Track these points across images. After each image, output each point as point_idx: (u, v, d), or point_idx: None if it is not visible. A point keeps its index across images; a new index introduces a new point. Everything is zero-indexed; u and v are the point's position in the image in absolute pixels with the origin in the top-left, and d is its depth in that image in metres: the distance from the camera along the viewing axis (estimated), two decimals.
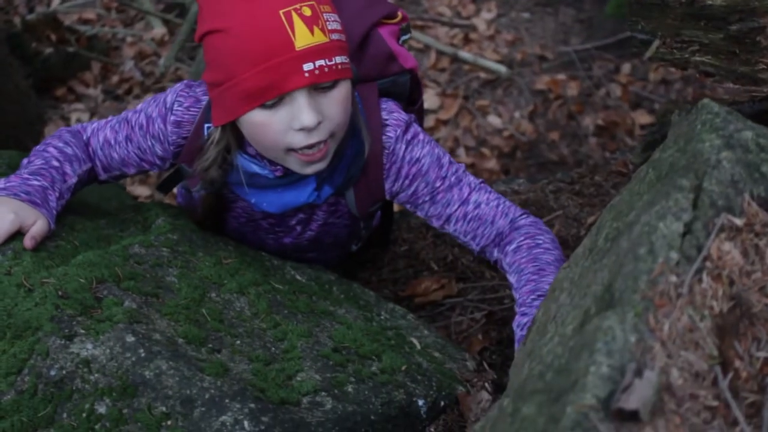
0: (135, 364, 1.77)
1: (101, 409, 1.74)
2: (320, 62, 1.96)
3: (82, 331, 1.83)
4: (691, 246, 1.25)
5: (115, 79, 5.70)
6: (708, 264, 1.24)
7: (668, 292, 1.20)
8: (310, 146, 2.05)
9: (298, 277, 2.38)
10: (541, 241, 2.19)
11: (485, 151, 4.95)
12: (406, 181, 2.27)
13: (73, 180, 2.27)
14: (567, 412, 1.09)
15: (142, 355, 1.79)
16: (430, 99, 5.33)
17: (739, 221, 1.28)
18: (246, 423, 1.71)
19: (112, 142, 2.35)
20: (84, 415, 1.74)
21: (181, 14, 6.01)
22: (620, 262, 1.30)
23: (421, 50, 5.79)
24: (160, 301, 2.00)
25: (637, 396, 1.08)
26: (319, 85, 1.99)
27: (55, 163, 2.24)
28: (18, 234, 2.07)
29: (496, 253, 2.29)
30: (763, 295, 1.22)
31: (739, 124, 1.43)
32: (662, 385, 1.11)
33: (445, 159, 2.28)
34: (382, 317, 2.35)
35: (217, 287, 2.13)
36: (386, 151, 2.25)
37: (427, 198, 2.28)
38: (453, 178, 2.27)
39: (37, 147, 2.34)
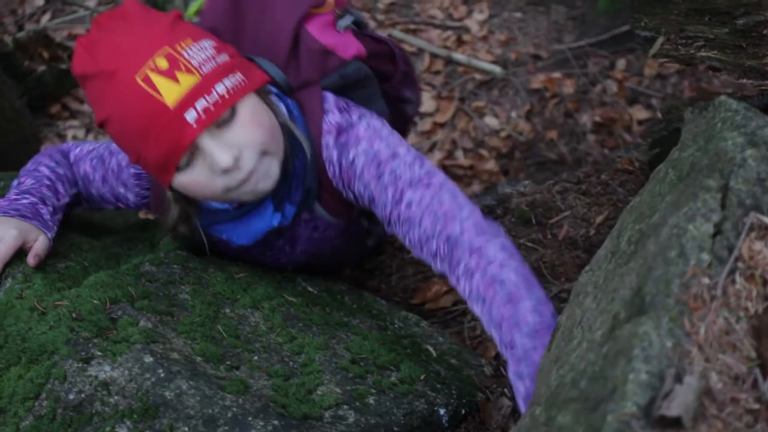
0: (155, 385, 1.75)
1: None
2: (201, 104, 1.85)
3: (99, 353, 1.81)
4: (722, 247, 1.24)
5: None
6: (740, 264, 1.22)
7: (702, 294, 1.19)
8: (245, 180, 1.98)
9: (310, 289, 2.36)
10: (491, 255, 1.88)
11: (483, 152, 4.93)
12: (348, 185, 2.13)
13: (65, 200, 2.25)
14: (608, 420, 1.07)
15: (162, 375, 1.77)
16: (426, 102, 5.30)
17: None
18: None
19: (91, 178, 2.32)
20: None
21: None
22: (649, 265, 1.28)
23: (415, 53, 5.77)
24: (174, 319, 1.98)
25: (679, 402, 1.06)
26: (216, 122, 1.90)
27: (47, 182, 2.23)
28: (24, 255, 2.06)
29: (438, 266, 1.99)
30: None
31: (760, 121, 1.41)
32: (702, 390, 1.09)
33: (384, 155, 2.06)
34: (395, 326, 2.34)
35: (230, 303, 2.11)
36: (325, 161, 2.13)
37: (367, 201, 2.11)
38: (388, 177, 2.04)
39: (28, 166, 2.31)
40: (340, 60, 2.24)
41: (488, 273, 1.85)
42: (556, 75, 5.36)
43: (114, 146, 2.30)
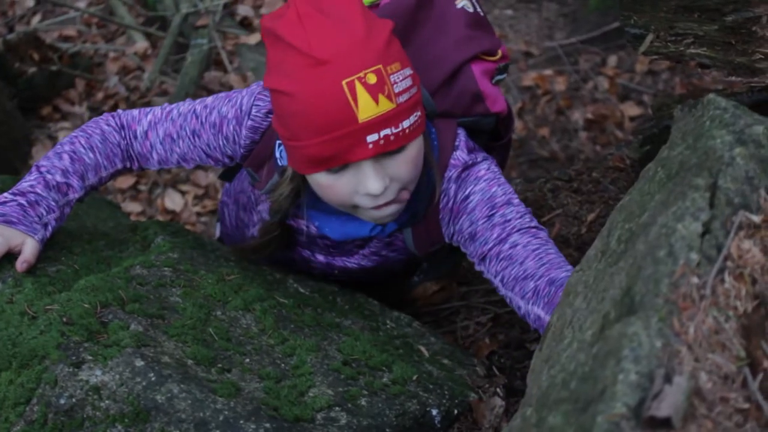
0: (146, 389, 1.75)
1: None
2: (386, 132, 1.88)
3: (90, 358, 1.80)
4: (711, 246, 1.24)
5: (100, 95, 5.66)
6: (729, 263, 1.22)
7: (691, 294, 1.18)
8: (377, 208, 2.02)
9: (302, 290, 2.35)
10: None
11: None
12: (454, 218, 2.17)
13: (76, 195, 2.21)
14: (598, 421, 1.07)
15: (153, 379, 1.76)
16: None
17: (756, 218, 1.27)
18: None
19: (175, 136, 2.29)
20: None
21: (163, 27, 5.98)
22: (638, 265, 1.28)
23: None
24: (165, 322, 1.98)
25: (669, 402, 1.06)
26: (387, 152, 1.93)
27: (57, 178, 2.18)
28: (15, 259, 2.05)
29: (529, 306, 2.01)
30: None
31: (748, 119, 1.41)
32: (692, 390, 1.09)
33: (500, 199, 2.12)
34: (388, 326, 2.34)
35: (221, 305, 2.11)
36: (442, 192, 2.16)
37: (467, 236, 2.14)
38: (499, 219, 2.10)
39: (60, 145, 2.28)
40: (485, 109, 2.30)
41: None
42: (548, 72, 5.36)
43: (209, 101, 2.28)
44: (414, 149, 1.98)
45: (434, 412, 1.98)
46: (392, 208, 2.06)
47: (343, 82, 1.84)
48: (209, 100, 2.29)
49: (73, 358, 1.80)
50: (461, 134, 2.21)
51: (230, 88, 5.48)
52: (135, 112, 2.37)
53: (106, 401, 1.74)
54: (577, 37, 5.51)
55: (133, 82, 5.76)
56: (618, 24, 5.23)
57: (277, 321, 2.12)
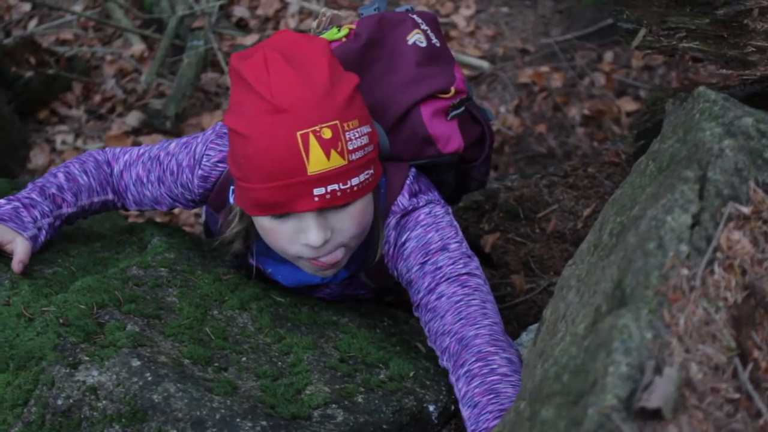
0: (142, 389, 1.75)
1: None
2: (333, 187, 1.87)
3: (87, 358, 1.81)
4: (701, 237, 1.24)
5: (97, 98, 5.66)
6: (719, 255, 1.23)
7: (681, 285, 1.19)
8: (316, 259, 2.00)
9: None
10: (496, 366, 1.87)
11: None
12: (394, 264, 2.15)
13: (69, 209, 2.23)
14: (589, 414, 1.07)
15: (149, 378, 1.77)
16: None
17: (746, 209, 1.27)
18: None
19: (144, 180, 2.31)
20: None
21: (159, 29, 5.98)
22: (629, 257, 1.29)
23: None
24: (162, 322, 1.98)
25: (659, 394, 1.06)
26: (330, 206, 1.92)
27: (53, 190, 2.22)
28: (10, 262, 2.06)
29: (444, 362, 2.00)
30: None
31: (738, 111, 1.42)
32: (683, 381, 1.10)
33: (435, 246, 2.08)
34: (385, 323, 2.34)
35: (218, 304, 2.11)
36: (384, 240, 2.15)
37: (404, 282, 2.13)
38: (430, 267, 2.06)
39: (54, 168, 2.32)
40: (436, 152, 2.26)
41: (487, 382, 1.85)
42: (544, 69, 5.36)
43: (171, 147, 2.30)
44: (359, 206, 1.98)
45: (431, 408, 1.98)
46: (330, 271, 2.08)
47: (298, 133, 1.84)
48: (172, 146, 2.30)
49: (70, 359, 1.80)
50: (409, 175, 2.19)
51: (227, 89, 5.49)
52: (117, 149, 2.40)
53: (103, 401, 1.75)
54: (573, 34, 5.52)
55: (130, 85, 5.77)
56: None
57: (273, 319, 2.12)
